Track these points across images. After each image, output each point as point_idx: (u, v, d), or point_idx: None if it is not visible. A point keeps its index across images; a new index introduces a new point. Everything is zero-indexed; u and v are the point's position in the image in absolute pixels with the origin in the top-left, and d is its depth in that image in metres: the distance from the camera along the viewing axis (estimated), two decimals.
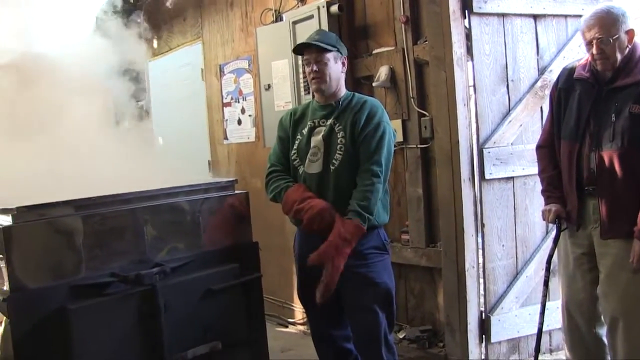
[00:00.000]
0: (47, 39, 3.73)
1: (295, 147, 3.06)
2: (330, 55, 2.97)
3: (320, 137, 2.98)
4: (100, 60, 3.90)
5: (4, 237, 2.36)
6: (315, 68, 2.96)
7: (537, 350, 3.10)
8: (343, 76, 3.07)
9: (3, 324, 2.48)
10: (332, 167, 2.92)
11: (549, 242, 3.82)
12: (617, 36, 2.76)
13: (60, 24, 3.78)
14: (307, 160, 2.98)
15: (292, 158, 3.06)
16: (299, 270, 3.15)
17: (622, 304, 2.82)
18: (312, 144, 2.99)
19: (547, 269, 3.09)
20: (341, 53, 3.03)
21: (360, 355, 3.05)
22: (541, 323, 3.09)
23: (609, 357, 3.01)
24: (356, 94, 3.11)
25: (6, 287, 2.40)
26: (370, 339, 2.95)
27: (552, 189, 3.07)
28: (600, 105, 2.86)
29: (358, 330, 3.00)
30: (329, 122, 2.99)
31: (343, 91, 3.06)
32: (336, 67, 3.00)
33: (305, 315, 4.81)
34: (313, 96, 3.18)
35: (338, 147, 2.92)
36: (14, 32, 3.54)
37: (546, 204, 3.11)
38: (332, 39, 3.04)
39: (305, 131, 3.04)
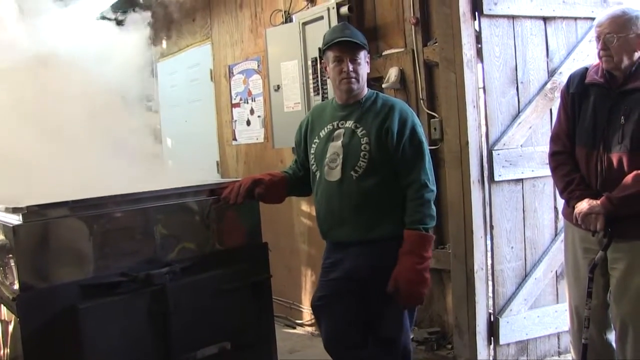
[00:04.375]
0: (59, 39, 3.75)
1: (312, 151, 2.96)
2: (362, 54, 2.85)
3: (339, 142, 2.85)
4: (108, 59, 3.92)
5: (14, 236, 2.37)
6: (351, 68, 2.82)
7: None
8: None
9: (12, 323, 2.48)
10: (354, 175, 2.79)
11: (557, 245, 3.83)
12: (624, 35, 2.74)
13: (72, 24, 3.80)
14: (325, 167, 2.87)
15: (311, 163, 2.97)
16: (320, 279, 3.04)
17: (634, 309, 2.79)
18: (331, 150, 2.87)
19: (591, 280, 2.88)
20: (368, 51, 2.93)
21: (379, 353, 2.89)
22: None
23: None
24: (379, 94, 2.97)
25: (16, 286, 2.40)
26: (393, 337, 2.87)
27: (585, 187, 2.90)
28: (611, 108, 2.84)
29: (382, 326, 2.87)
30: (350, 124, 2.87)
31: (365, 90, 2.94)
32: (366, 67, 2.89)
33: (312, 317, 4.82)
34: (323, 98, 3.13)
35: (362, 154, 2.79)
36: (28, 32, 3.55)
37: (578, 200, 2.87)
38: (359, 34, 2.88)
39: (323, 134, 2.93)
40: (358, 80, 2.85)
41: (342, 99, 2.94)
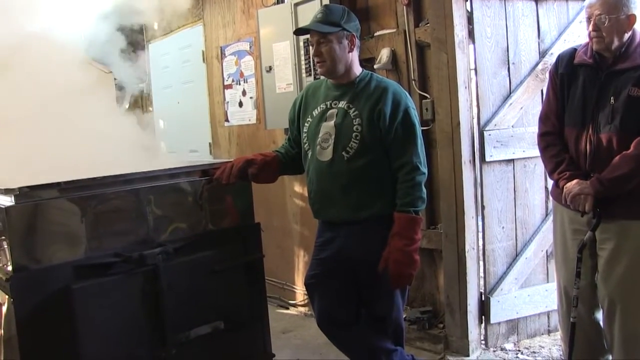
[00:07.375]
0: (48, 19, 3.72)
1: (305, 130, 2.97)
2: (332, 37, 2.81)
3: (332, 123, 2.86)
4: (101, 41, 3.90)
5: (7, 217, 2.37)
6: (315, 51, 2.86)
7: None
8: (354, 55, 2.89)
9: (6, 304, 2.49)
10: (345, 155, 2.81)
11: (548, 225, 3.85)
12: (615, 16, 2.74)
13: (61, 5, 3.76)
14: (318, 147, 2.88)
15: (303, 142, 2.99)
16: (312, 258, 3.09)
17: (621, 288, 2.81)
18: (323, 130, 2.88)
19: (580, 260, 2.91)
20: (348, 31, 2.84)
21: (370, 330, 2.97)
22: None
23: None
24: (374, 74, 2.95)
25: (9, 267, 2.41)
26: (384, 314, 2.94)
27: (574, 168, 2.91)
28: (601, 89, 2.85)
29: (374, 303, 2.95)
30: (343, 104, 2.87)
31: (357, 70, 2.92)
32: (341, 47, 2.83)
33: (305, 297, 4.85)
34: (316, 77, 3.13)
35: (353, 135, 2.80)
36: (16, 13, 3.52)
37: (568, 181, 2.88)
38: (337, 15, 2.84)
39: (316, 113, 2.94)
40: (326, 64, 2.85)
41: (334, 79, 2.94)
